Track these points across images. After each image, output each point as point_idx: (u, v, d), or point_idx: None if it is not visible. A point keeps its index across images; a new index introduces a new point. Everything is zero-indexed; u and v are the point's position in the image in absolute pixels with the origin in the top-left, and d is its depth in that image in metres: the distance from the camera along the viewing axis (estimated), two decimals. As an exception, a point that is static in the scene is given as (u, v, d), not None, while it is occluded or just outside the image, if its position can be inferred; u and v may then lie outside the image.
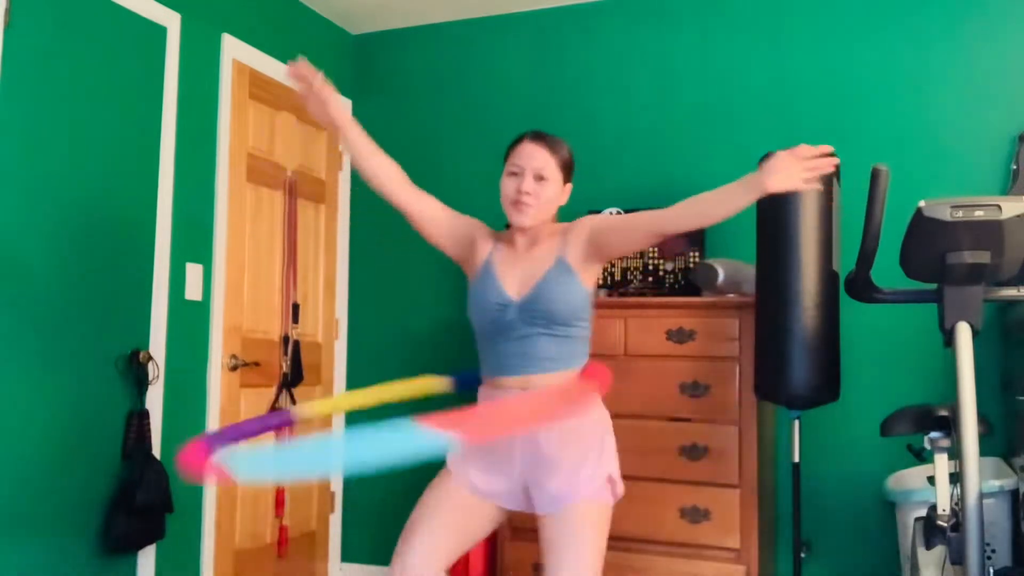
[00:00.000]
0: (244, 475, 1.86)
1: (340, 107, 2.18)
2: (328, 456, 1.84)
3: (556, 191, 2.11)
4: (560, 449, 2.02)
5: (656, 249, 3.48)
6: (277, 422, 2.57)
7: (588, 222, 2.12)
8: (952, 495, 2.37)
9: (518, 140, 2.14)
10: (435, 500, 2.08)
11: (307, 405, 2.57)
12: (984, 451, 2.27)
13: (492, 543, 3.43)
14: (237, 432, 2.23)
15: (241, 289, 3.57)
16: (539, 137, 2.12)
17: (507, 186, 2.11)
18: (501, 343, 2.08)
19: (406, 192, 2.17)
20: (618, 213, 3.54)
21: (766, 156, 2.82)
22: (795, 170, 1.85)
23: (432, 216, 2.18)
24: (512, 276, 2.10)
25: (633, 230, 2.06)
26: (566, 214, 2.22)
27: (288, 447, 1.95)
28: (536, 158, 2.09)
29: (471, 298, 2.14)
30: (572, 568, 1.96)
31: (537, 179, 2.08)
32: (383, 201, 2.18)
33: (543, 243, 2.13)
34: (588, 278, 2.11)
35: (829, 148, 1.89)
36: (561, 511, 2.01)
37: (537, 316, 2.04)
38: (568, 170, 2.14)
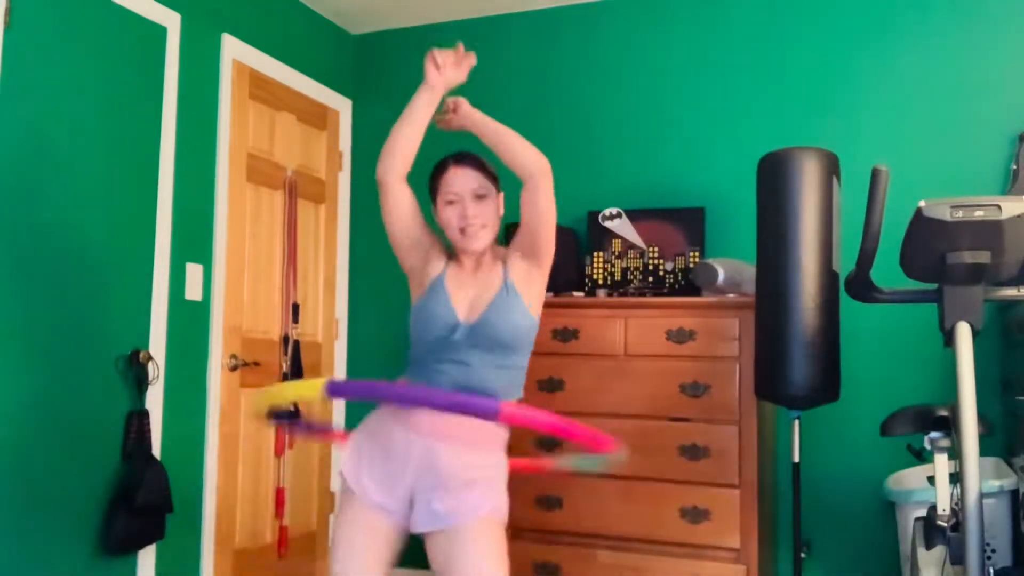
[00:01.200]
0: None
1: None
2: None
3: (496, 206, 2.10)
4: (456, 467, 1.99)
5: (656, 249, 3.48)
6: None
7: (515, 237, 2.12)
8: (952, 495, 2.37)
9: (442, 168, 2.11)
10: (351, 529, 2.03)
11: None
12: (984, 451, 2.27)
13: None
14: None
15: (241, 289, 3.57)
16: (463, 159, 2.10)
17: (449, 216, 2.07)
18: (440, 363, 2.03)
19: (399, 177, 2.09)
20: (618, 213, 3.55)
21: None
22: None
23: (403, 208, 2.10)
24: (462, 297, 2.07)
25: (525, 194, 2.02)
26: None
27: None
28: (470, 180, 2.07)
29: (418, 312, 2.09)
30: None
31: (477, 199, 2.06)
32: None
33: (488, 267, 2.11)
34: (534, 300, 2.07)
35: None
36: (450, 529, 1.96)
37: (483, 340, 2.01)
38: (497, 181, 2.13)
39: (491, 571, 1.95)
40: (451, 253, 2.16)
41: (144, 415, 3.02)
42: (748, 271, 3.16)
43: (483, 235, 2.07)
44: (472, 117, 2.08)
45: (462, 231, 2.06)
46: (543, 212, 2.03)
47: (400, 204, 2.10)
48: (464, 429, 1.99)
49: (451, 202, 2.07)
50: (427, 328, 2.06)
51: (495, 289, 2.06)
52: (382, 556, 2.04)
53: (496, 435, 2.07)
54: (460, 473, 1.99)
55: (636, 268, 3.50)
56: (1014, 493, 2.79)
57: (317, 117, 4.10)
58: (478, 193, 2.07)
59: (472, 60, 2.08)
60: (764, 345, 2.80)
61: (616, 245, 3.54)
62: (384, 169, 2.08)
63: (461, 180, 2.07)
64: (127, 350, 3.03)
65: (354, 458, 2.08)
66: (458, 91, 2.13)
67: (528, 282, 2.08)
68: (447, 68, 2.05)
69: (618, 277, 3.52)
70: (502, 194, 2.14)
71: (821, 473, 3.39)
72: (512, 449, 2.10)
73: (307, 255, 4.01)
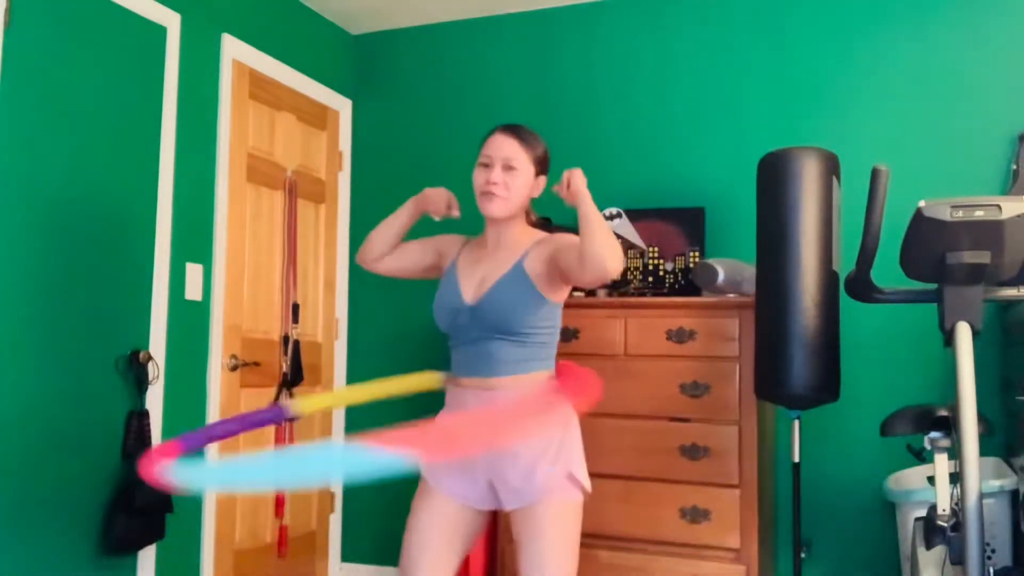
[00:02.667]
0: (189, 483, 1.82)
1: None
2: (279, 470, 1.74)
3: (526, 181, 2.12)
4: (518, 452, 2.02)
5: (656, 249, 3.48)
6: (268, 418, 2.52)
7: (559, 238, 2.10)
8: (952, 495, 2.37)
9: (490, 132, 2.16)
10: (427, 516, 2.08)
11: (303, 400, 2.58)
12: (984, 451, 2.27)
13: (492, 545, 3.43)
14: (218, 430, 2.31)
15: (241, 289, 3.57)
16: (510, 129, 2.14)
17: (477, 177, 2.13)
18: (461, 345, 2.11)
19: (382, 262, 2.27)
20: (618, 213, 3.55)
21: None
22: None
23: (402, 266, 2.28)
24: (471, 278, 2.13)
25: (580, 261, 1.99)
26: (560, 212, 2.21)
27: (241, 459, 1.98)
28: (505, 148, 2.10)
29: (435, 300, 2.19)
30: (539, 568, 1.98)
31: (506, 169, 2.09)
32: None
33: (510, 246, 2.14)
34: (549, 290, 2.08)
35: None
36: (525, 508, 2.02)
37: (487, 321, 2.05)
38: (541, 163, 2.15)
39: (559, 555, 2.00)
40: (471, 238, 2.24)
41: (144, 415, 3.02)
42: (748, 271, 3.16)
43: (498, 204, 2.09)
44: (576, 197, 2.02)
45: (482, 193, 2.11)
46: (576, 281, 2.04)
47: (393, 269, 2.28)
48: (515, 401, 2.03)
49: (483, 164, 2.12)
50: (439, 315, 2.15)
51: (505, 270, 2.09)
52: (456, 547, 2.09)
53: (546, 403, 2.08)
54: (523, 451, 2.02)
55: (636, 268, 3.50)
56: (1014, 493, 2.79)
57: (317, 117, 4.10)
58: (509, 163, 2.09)
59: (456, 215, 2.24)
60: (764, 345, 2.80)
61: (616, 245, 3.54)
62: (363, 264, 2.28)
63: (497, 145, 2.11)
64: (127, 350, 3.03)
65: None
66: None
67: (545, 277, 2.08)
68: (442, 210, 2.22)
69: (618, 277, 3.51)
70: (543, 178, 2.16)
71: (821, 473, 3.39)
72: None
73: (307, 255, 4.01)
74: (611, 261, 1.92)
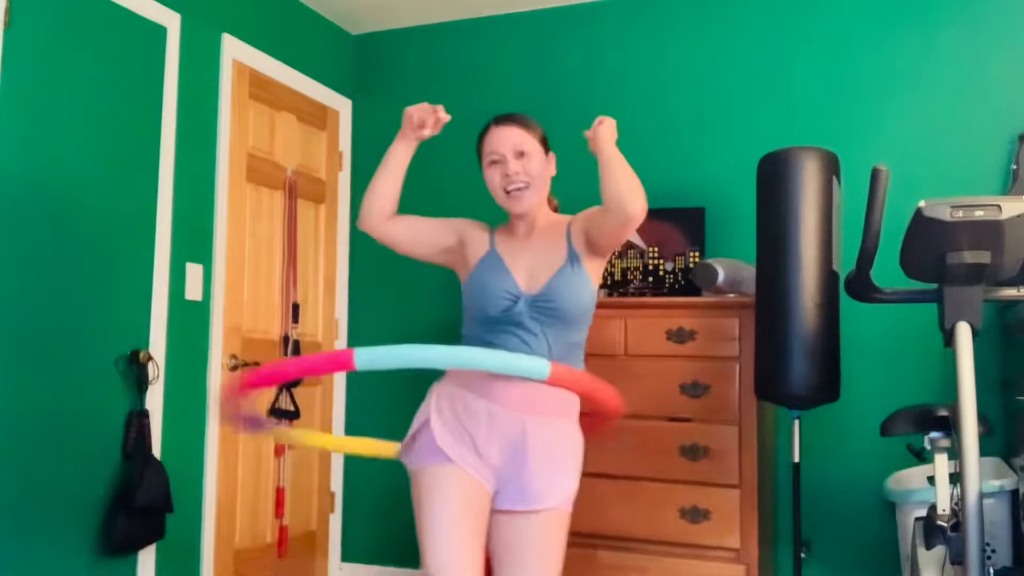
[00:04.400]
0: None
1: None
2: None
3: (541, 163, 2.05)
4: (548, 449, 1.96)
5: (656, 249, 3.48)
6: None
7: (584, 212, 2.07)
8: (952, 495, 2.37)
9: (484, 131, 2.07)
10: (450, 490, 1.89)
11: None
12: (984, 451, 2.27)
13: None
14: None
15: (241, 289, 3.57)
16: (505, 118, 2.07)
17: (492, 177, 2.03)
18: (503, 337, 1.97)
19: (385, 222, 2.06)
20: (618, 213, 3.55)
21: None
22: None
23: (407, 237, 2.09)
24: (520, 267, 2.02)
25: (603, 211, 1.98)
26: (577, 197, 2.17)
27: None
28: (510, 137, 2.03)
29: (475, 286, 2.02)
30: (543, 572, 1.93)
31: (519, 156, 2.02)
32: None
33: (545, 233, 2.06)
34: (594, 275, 2.05)
35: None
36: (536, 512, 1.94)
37: (546, 312, 1.96)
38: (544, 141, 2.09)
39: (559, 564, 1.96)
40: (492, 226, 2.13)
41: (144, 415, 3.02)
42: (748, 271, 3.16)
43: (527, 195, 2.02)
44: (602, 145, 2.01)
45: (507, 192, 2.02)
46: (608, 238, 1.99)
47: (402, 237, 2.08)
48: (552, 400, 1.96)
49: (494, 162, 2.04)
50: (487, 299, 1.98)
51: (560, 260, 2.01)
52: (482, 534, 1.94)
53: (575, 404, 2.04)
54: (551, 450, 1.96)
55: (636, 268, 3.50)
56: (1014, 493, 2.79)
57: (317, 117, 4.10)
58: (519, 150, 2.02)
59: (446, 119, 2.05)
60: (764, 345, 2.80)
61: (616, 245, 3.54)
62: (366, 225, 2.06)
63: (501, 138, 2.03)
64: (127, 350, 3.03)
65: (439, 421, 1.96)
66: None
67: (588, 256, 2.03)
68: (427, 128, 2.04)
69: (618, 277, 3.52)
70: (552, 155, 2.11)
71: (821, 473, 3.39)
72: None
73: (307, 255, 4.01)
74: (633, 202, 1.88)
